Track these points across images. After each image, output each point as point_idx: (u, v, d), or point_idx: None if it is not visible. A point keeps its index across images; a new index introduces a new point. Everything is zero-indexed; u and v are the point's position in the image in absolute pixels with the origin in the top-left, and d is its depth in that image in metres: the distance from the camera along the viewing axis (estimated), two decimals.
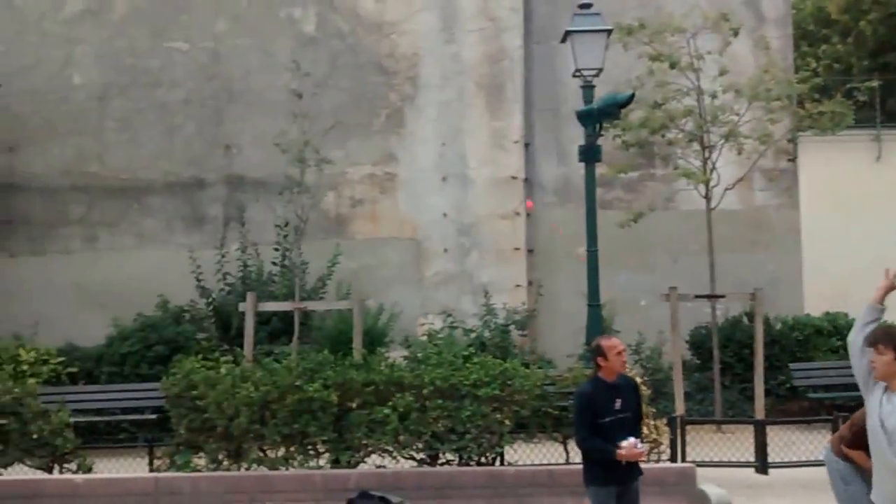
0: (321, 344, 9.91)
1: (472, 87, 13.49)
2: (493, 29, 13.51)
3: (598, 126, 9.49)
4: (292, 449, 7.42)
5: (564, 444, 7.89)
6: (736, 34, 11.21)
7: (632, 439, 5.13)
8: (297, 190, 9.98)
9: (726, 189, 11.08)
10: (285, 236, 11.42)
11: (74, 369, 10.57)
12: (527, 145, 13.40)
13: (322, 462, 7.50)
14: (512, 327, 11.80)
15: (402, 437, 7.40)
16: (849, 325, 11.70)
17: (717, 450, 8.93)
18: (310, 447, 7.45)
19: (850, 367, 4.90)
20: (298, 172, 9.96)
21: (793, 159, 13.50)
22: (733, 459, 8.68)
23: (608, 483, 5.27)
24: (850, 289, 14.43)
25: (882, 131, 17.54)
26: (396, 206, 13.29)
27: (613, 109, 9.19)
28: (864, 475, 4.70)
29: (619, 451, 5.13)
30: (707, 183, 10.94)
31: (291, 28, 13.51)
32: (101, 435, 10.09)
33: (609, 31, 9.88)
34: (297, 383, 7.39)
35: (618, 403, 5.23)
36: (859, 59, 21.72)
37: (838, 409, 8.93)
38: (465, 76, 13.48)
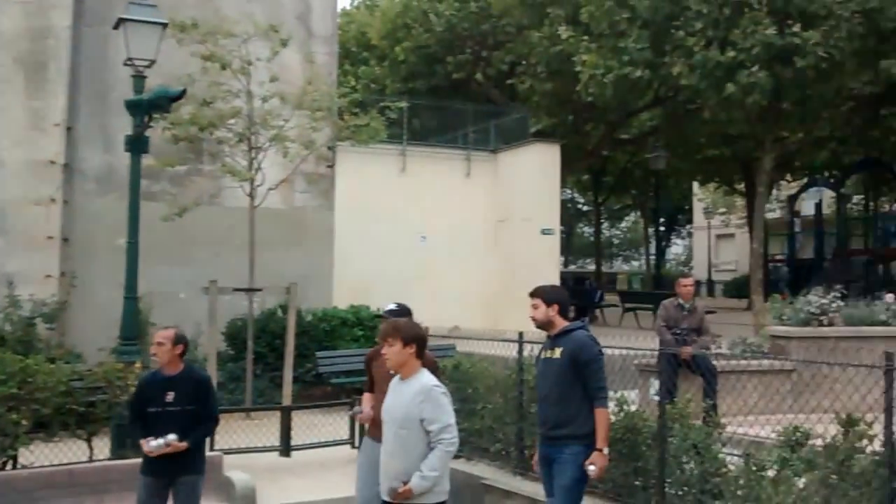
0: None
1: (8, 61, 12.26)
2: (37, 4, 12.40)
3: (147, 117, 9.36)
4: None
5: (89, 441, 7.61)
6: (284, 45, 11.65)
7: (170, 437, 5.30)
8: None
9: (270, 189, 11.48)
10: None
11: None
12: (69, 129, 12.55)
13: None
14: (38, 320, 10.95)
15: None
16: (370, 317, 13.18)
17: (245, 437, 9.21)
18: None
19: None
20: None
21: (331, 166, 14.47)
22: (260, 445, 9.04)
23: (144, 472, 5.53)
24: (373, 284, 16.43)
25: (407, 147, 20.07)
26: None
27: (164, 102, 9.06)
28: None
29: (141, 441, 5.39)
30: (252, 182, 11.27)
31: None
32: None
33: (164, 25, 9.73)
34: None
35: (169, 396, 5.44)
36: (393, 82, 24.58)
37: (357, 393, 9.94)
38: (2, 50, 12.19)
